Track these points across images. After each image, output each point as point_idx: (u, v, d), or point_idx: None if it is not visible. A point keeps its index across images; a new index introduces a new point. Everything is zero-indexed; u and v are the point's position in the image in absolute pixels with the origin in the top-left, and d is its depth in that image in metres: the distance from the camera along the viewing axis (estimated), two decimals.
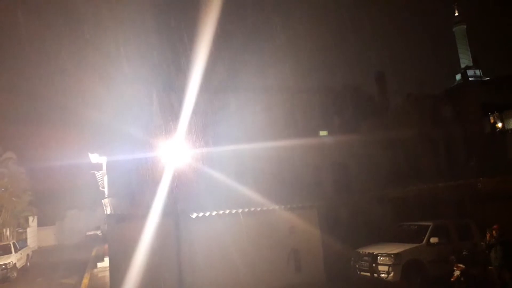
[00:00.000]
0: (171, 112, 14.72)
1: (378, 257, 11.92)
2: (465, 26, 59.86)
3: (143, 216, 11.69)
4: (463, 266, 10.66)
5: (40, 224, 36.70)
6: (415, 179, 17.41)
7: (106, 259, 16.05)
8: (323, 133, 18.88)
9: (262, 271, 12.50)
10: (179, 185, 12.06)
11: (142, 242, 11.43)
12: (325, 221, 14.51)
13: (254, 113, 17.22)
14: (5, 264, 18.05)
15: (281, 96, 19.40)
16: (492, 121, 19.79)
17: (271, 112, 18.14)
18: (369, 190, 17.89)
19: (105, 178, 17.29)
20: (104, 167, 16.46)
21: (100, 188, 21.17)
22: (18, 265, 19.60)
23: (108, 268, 12.90)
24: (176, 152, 12.04)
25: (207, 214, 12.35)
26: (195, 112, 13.67)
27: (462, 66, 56.65)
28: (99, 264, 18.65)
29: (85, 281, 16.19)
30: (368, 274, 12.13)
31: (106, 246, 15.90)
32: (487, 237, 10.68)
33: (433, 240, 12.05)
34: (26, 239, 30.72)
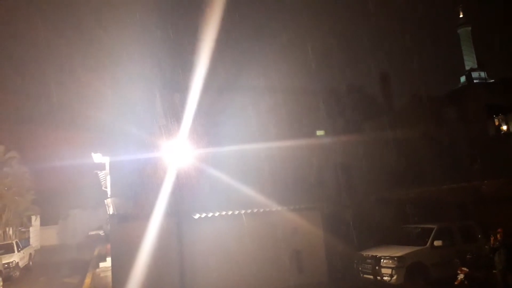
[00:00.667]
0: (175, 112, 14.70)
1: (382, 260, 11.86)
2: (470, 28, 59.66)
3: (146, 216, 11.69)
4: (467, 270, 10.60)
5: (42, 223, 36.78)
6: (419, 181, 17.34)
7: (108, 259, 16.05)
8: (320, 132, 18.80)
9: (264, 272, 12.47)
10: (182, 185, 12.04)
11: (144, 242, 11.43)
12: (328, 223, 14.47)
13: (257, 114, 17.19)
14: (8, 263, 18.09)
15: (284, 96, 19.34)
16: (496, 123, 19.69)
17: (274, 112, 18.10)
18: (372, 191, 17.82)
19: (108, 178, 17.28)
20: (107, 167, 16.46)
21: (103, 188, 21.18)
22: (21, 264, 19.66)
23: (110, 268, 12.89)
24: (179, 152, 12.03)
25: (210, 215, 12.33)
26: (198, 112, 13.65)
27: (467, 68, 56.45)
28: (101, 264, 18.66)
29: (87, 280, 16.21)
30: (371, 277, 12.08)
31: (109, 246, 15.90)
32: (491, 241, 10.62)
33: (437, 243, 11.98)
34: (28, 238, 30.79)
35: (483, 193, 14.37)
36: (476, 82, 37.66)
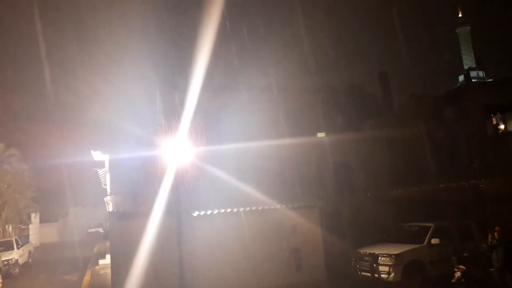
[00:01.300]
0: (174, 110, 14.74)
1: (379, 258, 11.93)
2: (468, 28, 59.78)
3: (145, 214, 11.73)
4: (464, 268, 10.68)
5: (42, 220, 36.81)
6: (417, 180, 17.40)
7: (108, 256, 16.11)
8: (320, 134, 18.86)
9: (263, 270, 12.54)
10: (181, 183, 12.10)
11: (144, 240, 11.47)
12: (326, 221, 14.54)
13: (257, 112, 17.24)
14: (8, 260, 18.12)
15: (284, 95, 19.40)
16: (494, 122, 19.74)
17: (274, 110, 18.16)
18: (371, 190, 17.89)
19: (108, 176, 17.35)
20: (107, 165, 16.52)
21: (103, 186, 21.26)
22: (20, 261, 19.69)
23: (109, 265, 12.96)
24: (178, 150, 12.08)
25: (209, 212, 12.39)
26: (197, 110, 13.69)
27: (465, 67, 56.57)
28: (101, 261, 18.72)
29: (87, 278, 16.27)
30: (369, 274, 12.15)
31: (108, 243, 15.95)
32: (489, 239, 10.70)
33: (435, 241, 12.05)
34: (28, 235, 30.84)
35: (481, 192, 14.45)
36: (475, 81, 37.81)
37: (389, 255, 11.75)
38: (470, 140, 18.17)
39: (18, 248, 19.81)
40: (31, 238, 30.22)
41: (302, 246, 13.27)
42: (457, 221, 13.22)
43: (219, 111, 16.79)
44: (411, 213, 15.56)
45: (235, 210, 12.68)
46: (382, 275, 11.69)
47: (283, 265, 12.94)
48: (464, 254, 11.28)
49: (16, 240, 20.96)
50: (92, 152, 15.13)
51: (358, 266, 12.65)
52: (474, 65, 54.24)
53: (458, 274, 10.67)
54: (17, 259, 18.90)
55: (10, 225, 28.46)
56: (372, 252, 12.33)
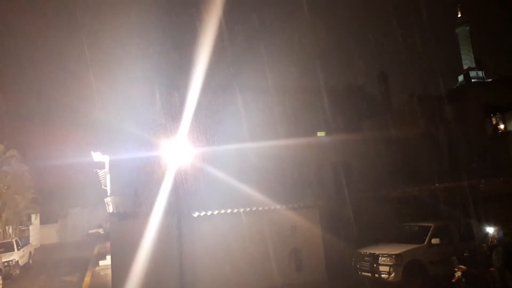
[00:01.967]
0: (174, 111, 14.75)
1: (379, 258, 11.94)
2: (468, 27, 59.78)
3: (145, 215, 11.75)
4: (465, 267, 10.66)
5: (42, 222, 36.82)
6: (417, 180, 17.41)
7: (108, 257, 16.12)
8: (320, 133, 18.88)
9: (263, 270, 12.55)
10: (181, 184, 12.10)
11: (144, 241, 11.49)
12: (326, 221, 14.55)
13: (256, 112, 17.26)
14: (8, 262, 18.11)
15: (283, 95, 19.42)
16: (494, 122, 19.78)
17: (273, 111, 18.18)
18: (370, 190, 17.89)
19: (108, 177, 17.33)
20: (107, 166, 16.51)
21: (103, 187, 21.23)
22: (21, 262, 19.69)
23: (110, 266, 12.96)
24: (178, 151, 12.08)
25: (209, 213, 12.40)
26: (197, 111, 13.70)
27: (465, 67, 56.59)
28: (101, 262, 18.73)
29: (87, 279, 16.28)
30: (369, 274, 12.16)
31: (108, 244, 15.96)
32: (489, 239, 10.69)
33: (435, 241, 12.07)
34: (28, 236, 30.85)
35: (481, 191, 14.45)
36: (474, 81, 37.75)
37: (389, 255, 11.76)
38: (469, 139, 18.20)
39: (18, 250, 19.81)
40: (31, 239, 30.24)
41: (302, 246, 13.28)
42: (457, 221, 13.23)
43: (219, 111, 16.80)
44: (411, 213, 15.58)
45: (235, 210, 12.69)
46: (382, 275, 11.70)
47: (283, 266, 12.95)
48: (465, 254, 11.26)
49: (16, 241, 20.95)
50: (92, 153, 15.11)
51: (358, 266, 12.66)
52: (474, 65, 54.26)
53: (458, 274, 10.66)
54: (17, 260, 18.90)
55: (10, 226, 28.46)
56: (372, 252, 12.34)
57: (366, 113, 21.55)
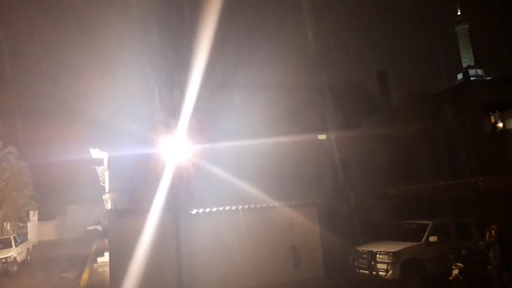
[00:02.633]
0: (173, 108, 14.73)
1: (377, 255, 11.95)
2: (467, 25, 59.75)
3: (144, 212, 11.74)
4: (462, 265, 10.69)
5: (40, 218, 36.83)
6: (415, 178, 17.43)
7: (106, 254, 16.12)
8: (322, 137, 18.83)
9: (261, 267, 12.56)
10: (179, 181, 12.10)
11: (142, 238, 11.49)
12: (324, 218, 14.56)
13: (255, 110, 17.25)
14: (6, 258, 18.14)
15: (282, 92, 19.41)
16: (493, 120, 19.75)
17: (272, 108, 18.16)
18: (369, 187, 17.92)
19: (106, 173, 17.33)
20: (105, 163, 16.50)
21: (101, 183, 21.21)
22: (19, 259, 19.70)
23: (108, 263, 12.97)
24: (177, 148, 12.08)
25: (207, 210, 12.40)
26: (196, 108, 13.69)
27: (464, 65, 56.60)
28: (99, 259, 18.73)
29: (85, 275, 16.28)
30: (367, 272, 12.17)
31: (106, 241, 15.96)
32: (486, 237, 10.71)
33: (432, 238, 12.08)
34: (26, 233, 30.88)
35: (479, 189, 14.48)
36: (473, 79, 37.70)
37: (387, 253, 11.77)
38: (468, 138, 18.18)
39: (16, 246, 19.82)
40: (29, 236, 30.25)
41: (300, 243, 13.28)
42: (455, 219, 13.25)
43: (218, 109, 16.78)
44: (409, 210, 15.60)
45: (234, 208, 12.69)
46: (380, 273, 11.71)
47: (281, 263, 12.95)
48: (462, 252, 11.27)
49: (14, 238, 20.96)
50: (91, 149, 15.10)
51: (356, 263, 12.67)
52: (473, 63, 54.25)
53: (455, 271, 10.69)
54: (15, 257, 18.90)
55: (9, 223, 28.47)
56: (370, 249, 12.35)
57: (365, 110, 21.54)
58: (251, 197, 13.11)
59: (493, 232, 10.53)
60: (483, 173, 15.00)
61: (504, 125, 19.40)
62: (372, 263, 11.98)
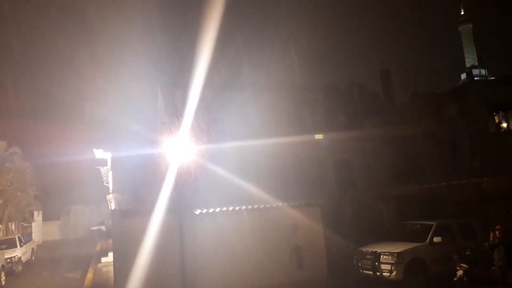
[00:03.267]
0: (176, 108, 14.77)
1: (381, 256, 11.94)
2: (471, 25, 59.59)
3: (147, 212, 11.77)
4: (466, 266, 10.67)
5: (45, 218, 36.95)
6: (419, 178, 17.39)
7: (110, 254, 16.17)
8: (318, 136, 18.80)
9: (265, 267, 12.56)
10: (183, 181, 12.12)
11: (146, 238, 11.51)
12: (328, 219, 14.55)
13: (258, 110, 17.25)
14: (11, 258, 18.21)
15: (285, 93, 19.41)
16: (497, 120, 19.72)
17: (275, 109, 18.16)
18: (372, 188, 17.88)
19: (110, 174, 17.36)
20: (109, 163, 16.53)
21: (105, 184, 21.25)
22: (23, 259, 19.78)
23: (112, 263, 13.02)
24: (180, 148, 12.10)
25: (211, 210, 12.41)
26: (199, 108, 13.71)
27: (468, 65, 56.44)
28: (103, 259, 18.78)
29: (89, 275, 16.33)
30: (371, 272, 12.16)
31: (110, 241, 16.01)
32: (490, 237, 10.68)
33: (436, 239, 12.05)
34: (31, 233, 30.96)
35: (483, 190, 14.43)
36: (477, 79, 37.65)
37: (391, 254, 11.75)
38: (472, 138, 18.16)
39: (21, 246, 19.90)
40: (33, 236, 30.34)
41: (304, 244, 13.28)
42: (459, 220, 13.21)
43: (221, 109, 16.80)
44: (413, 211, 15.56)
45: (237, 208, 12.70)
46: (384, 274, 11.70)
47: (284, 263, 12.96)
48: (466, 253, 11.27)
49: (19, 238, 21.05)
50: (94, 150, 15.14)
51: (360, 264, 12.66)
52: (477, 63, 54.11)
53: (460, 272, 10.67)
54: (20, 257, 18.99)
55: (13, 223, 28.58)
56: (374, 250, 12.34)
57: (368, 111, 21.50)
58: (254, 197, 13.11)
59: (497, 232, 10.51)
60: (487, 173, 14.96)
61: (508, 125, 19.36)
62: (376, 263, 11.97)
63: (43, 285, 16.47)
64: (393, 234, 13.63)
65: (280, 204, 13.20)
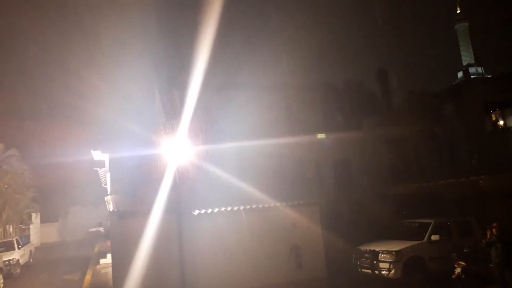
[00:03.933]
0: (174, 109, 14.76)
1: (379, 254, 11.98)
2: (467, 24, 59.62)
3: (146, 213, 11.76)
4: (464, 264, 10.69)
5: (43, 220, 36.91)
6: (417, 177, 17.43)
7: (109, 256, 16.15)
8: (320, 136, 18.82)
9: (264, 267, 12.57)
10: (181, 182, 12.12)
11: (144, 239, 11.51)
12: (326, 218, 14.57)
13: (256, 110, 17.25)
14: (9, 261, 18.16)
15: (283, 93, 19.43)
16: (493, 118, 19.78)
17: (273, 109, 18.18)
18: (370, 187, 17.91)
19: (108, 175, 17.35)
20: (107, 164, 16.52)
21: (103, 185, 21.24)
22: (21, 261, 19.74)
23: (110, 265, 13.00)
24: (178, 149, 12.09)
25: (209, 211, 12.42)
26: (197, 109, 13.71)
27: (464, 63, 56.49)
28: (102, 261, 18.77)
29: (88, 277, 16.32)
30: (369, 271, 12.20)
31: (109, 242, 15.99)
32: (488, 235, 10.71)
33: (434, 237, 12.09)
34: (29, 235, 30.88)
35: (481, 188, 14.46)
36: (474, 78, 37.69)
37: (389, 252, 11.79)
38: (469, 136, 18.21)
39: (19, 248, 19.86)
40: (31, 238, 30.25)
41: (302, 243, 13.30)
42: (457, 218, 13.24)
43: (219, 109, 16.80)
44: (411, 209, 15.58)
45: (235, 208, 12.71)
46: (382, 272, 11.73)
47: (283, 263, 12.97)
48: (464, 250, 11.29)
49: (17, 240, 21.00)
50: (92, 151, 15.12)
51: (358, 263, 12.69)
52: (473, 61, 54.15)
53: (458, 270, 10.69)
54: (18, 259, 18.94)
55: (11, 225, 28.51)
56: (372, 249, 12.38)
57: (366, 110, 21.54)
58: (253, 197, 13.12)
59: (494, 230, 10.52)
60: (484, 171, 15.00)
61: (505, 123, 19.43)
62: (375, 262, 12.01)
63: None
64: (392, 233, 13.66)
65: (278, 204, 13.21)
